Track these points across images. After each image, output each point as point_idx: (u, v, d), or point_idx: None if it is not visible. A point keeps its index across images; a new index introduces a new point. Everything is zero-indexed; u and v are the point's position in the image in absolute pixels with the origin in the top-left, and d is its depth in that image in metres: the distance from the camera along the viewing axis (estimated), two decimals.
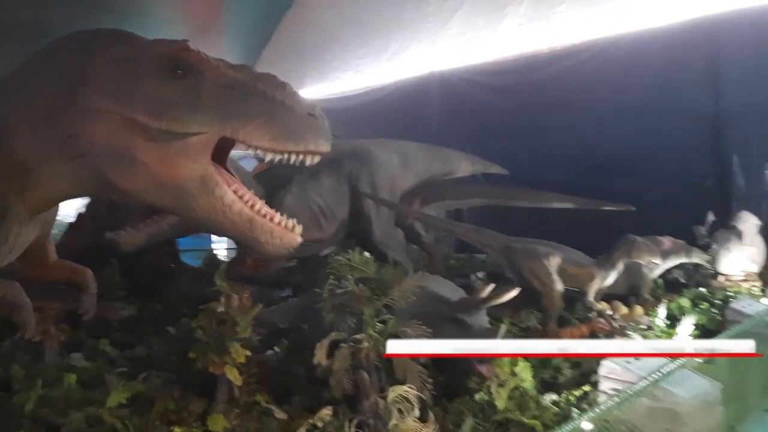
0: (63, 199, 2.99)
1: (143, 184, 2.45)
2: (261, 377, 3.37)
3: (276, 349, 3.97)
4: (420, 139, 8.04)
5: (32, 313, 3.17)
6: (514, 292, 3.69)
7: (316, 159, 2.47)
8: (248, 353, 3.17)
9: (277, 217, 2.53)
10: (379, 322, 3.20)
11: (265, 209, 2.52)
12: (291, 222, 2.57)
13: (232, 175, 2.59)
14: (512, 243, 4.92)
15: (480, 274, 7.37)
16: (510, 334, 4.59)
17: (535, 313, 5.04)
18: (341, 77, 12.01)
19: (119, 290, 5.34)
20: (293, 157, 2.40)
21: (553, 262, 4.81)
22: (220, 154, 2.52)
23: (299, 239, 2.58)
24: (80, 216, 6.29)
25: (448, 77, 10.26)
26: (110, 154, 2.45)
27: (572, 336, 4.61)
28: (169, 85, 2.37)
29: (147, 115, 2.35)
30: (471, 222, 8.62)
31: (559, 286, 4.81)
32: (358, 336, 3.09)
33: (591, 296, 4.98)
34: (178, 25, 11.22)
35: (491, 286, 3.61)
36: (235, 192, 2.47)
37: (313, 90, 12.30)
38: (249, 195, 2.52)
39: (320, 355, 3.02)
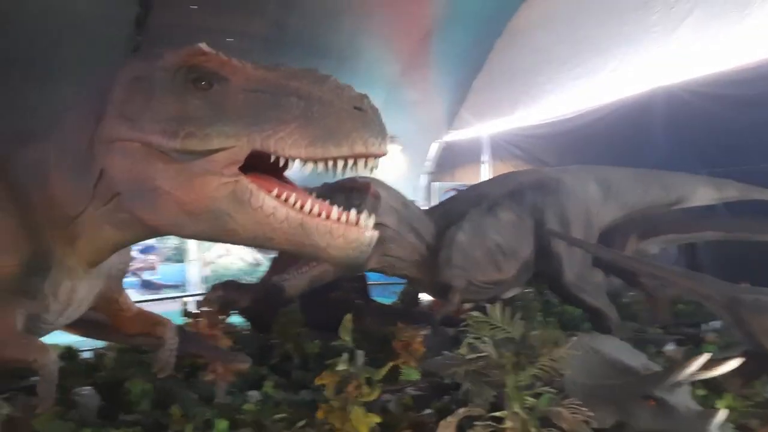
0: (117, 247, 2.77)
1: (172, 216, 2.15)
2: None
3: (429, 410, 3.54)
4: (643, 163, 7.08)
5: (53, 390, 2.89)
6: (735, 362, 2.81)
7: (372, 164, 2.02)
8: (377, 419, 2.80)
9: (335, 211, 2.08)
10: (531, 395, 2.62)
11: (319, 206, 2.07)
12: (354, 214, 2.09)
13: (285, 182, 2.19)
14: (740, 294, 3.86)
15: (714, 324, 6.11)
16: (736, 413, 3.59)
17: None
18: (555, 100, 11.27)
19: (298, 327, 5.34)
20: (340, 166, 1.98)
21: None
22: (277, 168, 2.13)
23: (369, 233, 2.08)
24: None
25: (675, 92, 8.97)
26: (133, 188, 2.21)
27: None
28: (190, 100, 2.07)
29: (162, 135, 2.07)
30: (709, 260, 7.31)
31: None
32: (498, 414, 2.53)
33: None
34: (390, 63, 11.55)
35: (704, 357, 2.77)
36: (277, 196, 2.07)
37: (525, 116, 11.74)
38: (297, 196, 2.09)
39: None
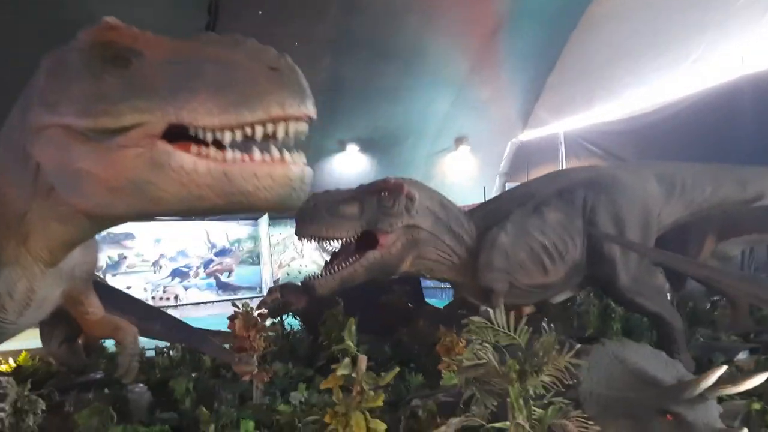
0: (69, 245, 2.67)
1: (98, 196, 2.03)
2: None
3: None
4: (729, 158, 6.57)
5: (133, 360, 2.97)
6: (762, 377, 2.52)
7: (294, 128, 1.83)
8: (382, 426, 2.71)
9: (257, 153, 1.87)
10: (539, 406, 2.45)
11: (239, 153, 1.87)
12: (275, 150, 1.88)
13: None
14: None
15: None
16: None
17: None
18: (633, 94, 10.70)
19: (342, 330, 5.34)
20: (258, 133, 1.80)
21: None
22: None
23: (298, 168, 1.91)
24: None
25: (764, 80, 8.30)
26: (60, 174, 2.12)
27: None
28: (106, 78, 1.94)
29: (76, 116, 1.96)
30: None
31: None
32: (498, 424, 2.38)
33: None
34: (459, 61, 11.38)
35: (720, 370, 2.51)
36: (197, 154, 1.88)
37: (603, 111, 11.23)
38: (215, 151, 1.89)
39: None
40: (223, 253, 12.80)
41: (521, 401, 2.37)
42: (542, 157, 12.45)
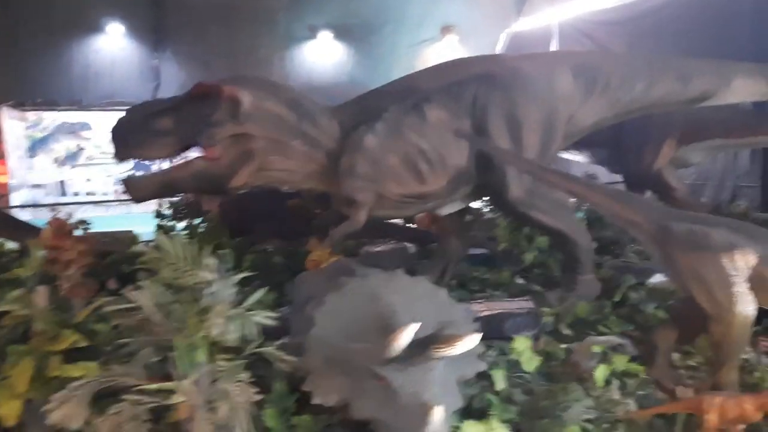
0: None
1: None
2: None
3: None
4: (729, 51, 5.61)
5: None
6: (472, 339, 1.99)
7: None
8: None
9: None
10: (229, 359, 1.97)
11: None
12: None
13: None
14: (672, 222, 2.85)
15: None
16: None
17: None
18: None
19: (219, 237, 4.94)
20: None
21: (741, 262, 2.64)
22: None
23: None
24: None
25: None
26: None
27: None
28: None
29: None
30: None
31: (747, 307, 2.65)
32: (169, 384, 1.91)
33: None
34: None
35: (414, 326, 1.94)
36: None
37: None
38: None
39: (59, 413, 1.88)
40: None
41: (190, 354, 1.90)
42: (535, 49, 11.37)
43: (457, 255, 4.67)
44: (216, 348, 1.99)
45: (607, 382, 2.81)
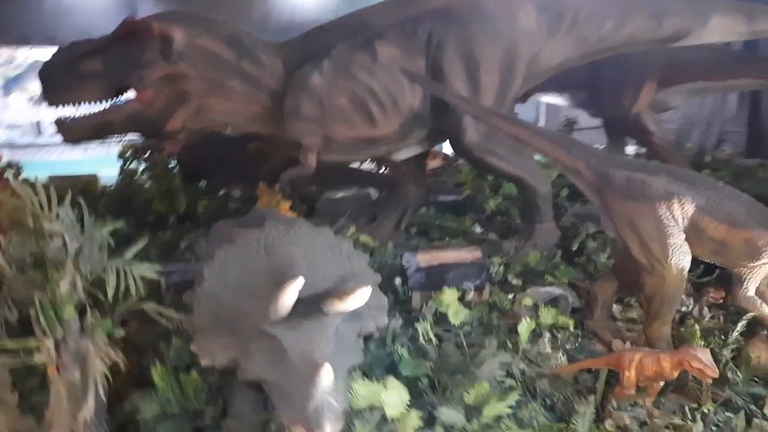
0: None
1: None
2: None
3: None
4: None
5: None
6: (363, 294, 1.87)
7: None
8: None
9: None
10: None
11: None
12: None
13: None
14: (611, 169, 2.69)
15: None
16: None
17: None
18: None
19: (170, 182, 4.81)
20: None
21: (679, 211, 2.50)
22: None
23: None
24: None
25: None
26: None
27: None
28: None
29: None
30: None
31: (683, 259, 2.52)
32: (32, 342, 1.81)
33: (750, 288, 2.51)
34: None
35: (299, 281, 1.80)
36: None
37: None
38: None
39: None
40: None
41: (51, 310, 1.78)
42: None
43: (416, 201, 4.53)
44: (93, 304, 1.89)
45: (538, 336, 2.72)
